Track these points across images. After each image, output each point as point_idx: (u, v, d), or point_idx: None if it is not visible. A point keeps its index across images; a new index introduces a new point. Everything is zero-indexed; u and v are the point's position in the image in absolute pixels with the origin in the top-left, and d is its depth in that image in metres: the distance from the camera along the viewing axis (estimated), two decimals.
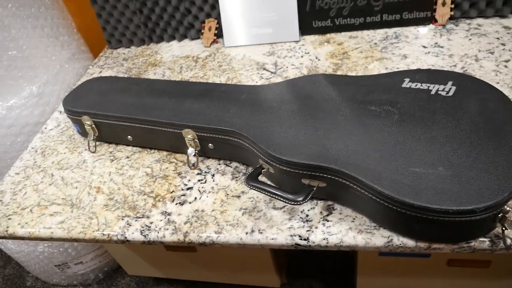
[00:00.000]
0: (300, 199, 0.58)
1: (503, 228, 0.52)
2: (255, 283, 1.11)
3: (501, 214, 0.51)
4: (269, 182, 0.68)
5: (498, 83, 0.78)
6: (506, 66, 0.82)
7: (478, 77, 0.80)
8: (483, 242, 0.55)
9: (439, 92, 0.65)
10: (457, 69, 0.83)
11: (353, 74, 0.88)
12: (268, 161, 0.63)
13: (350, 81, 0.71)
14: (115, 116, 0.77)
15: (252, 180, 0.62)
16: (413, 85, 0.68)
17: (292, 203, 0.58)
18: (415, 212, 0.51)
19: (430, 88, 0.66)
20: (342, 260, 1.30)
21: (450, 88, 0.66)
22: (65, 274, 1.30)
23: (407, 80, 0.69)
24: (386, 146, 0.58)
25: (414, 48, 0.92)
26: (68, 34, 1.07)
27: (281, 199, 0.59)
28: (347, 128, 0.62)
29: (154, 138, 0.78)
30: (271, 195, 0.60)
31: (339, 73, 0.89)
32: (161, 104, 0.76)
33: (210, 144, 0.72)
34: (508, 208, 0.51)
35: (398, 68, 0.87)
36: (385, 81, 0.70)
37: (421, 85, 0.67)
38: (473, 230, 0.53)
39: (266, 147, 0.62)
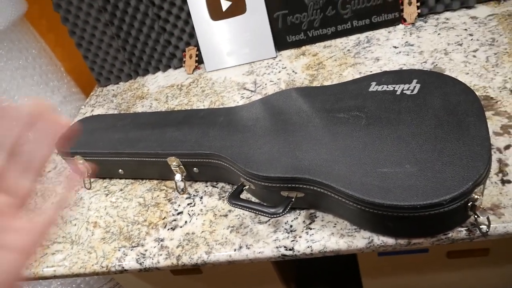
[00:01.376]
0: (280, 211, 0.61)
1: (476, 216, 0.54)
2: None
3: (471, 202, 0.53)
4: (253, 199, 0.71)
5: (467, 73, 0.80)
6: (474, 56, 0.84)
7: (449, 70, 0.82)
8: (460, 232, 0.56)
9: (404, 92, 0.67)
10: (428, 65, 0.85)
11: (328, 83, 0.91)
12: (248, 178, 0.66)
13: (319, 92, 0.74)
14: (103, 152, 0.81)
15: (234, 198, 0.65)
16: (379, 88, 0.70)
17: (273, 216, 0.61)
18: (386, 211, 0.53)
19: (395, 88, 0.69)
20: (348, 264, 1.30)
21: (415, 86, 0.68)
22: None
23: (373, 84, 0.71)
24: (355, 150, 0.60)
25: (386, 50, 0.94)
26: (58, 79, 1.12)
27: (262, 213, 0.61)
28: (317, 137, 0.64)
29: (143, 169, 0.81)
30: (253, 211, 0.62)
31: (315, 83, 0.92)
32: (145, 136, 0.80)
33: (195, 169, 0.75)
34: (476, 196, 0.53)
35: (371, 72, 0.89)
36: (353, 88, 0.72)
37: (387, 87, 0.70)
38: (447, 222, 0.55)
39: (244, 166, 0.65)
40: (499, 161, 0.63)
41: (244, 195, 0.71)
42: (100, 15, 1.11)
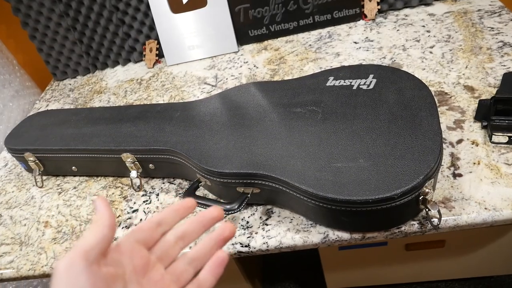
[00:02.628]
0: (235, 207, 0.60)
1: (427, 210, 0.54)
2: None
3: (422, 196, 0.54)
4: (210, 195, 0.69)
5: (424, 69, 0.81)
6: (431, 52, 0.85)
7: (406, 66, 0.83)
8: (413, 225, 0.57)
9: (361, 86, 0.68)
10: (387, 61, 0.86)
11: (289, 77, 0.90)
12: (203, 174, 0.64)
13: (277, 86, 0.73)
14: (55, 149, 0.77)
15: (188, 195, 0.63)
16: (336, 83, 0.70)
17: (228, 212, 0.60)
18: (339, 206, 0.53)
19: (352, 83, 0.69)
20: (312, 259, 1.31)
21: (371, 81, 0.68)
22: None
23: (331, 78, 0.71)
24: (310, 145, 0.60)
25: (346, 45, 0.95)
26: (9, 72, 1.07)
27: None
28: (273, 132, 0.64)
29: (97, 165, 0.78)
30: (208, 207, 0.61)
31: (276, 78, 0.91)
32: (99, 132, 0.77)
33: (150, 165, 0.73)
34: (426, 190, 0.53)
35: (331, 67, 0.89)
36: (310, 82, 0.72)
37: (344, 82, 0.70)
38: (399, 216, 0.55)
39: (199, 161, 0.63)
40: (452, 155, 0.64)
41: (201, 192, 0.70)
42: (54, 5, 1.05)
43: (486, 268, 0.97)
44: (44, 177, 0.86)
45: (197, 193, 0.67)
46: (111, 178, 0.80)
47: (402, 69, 0.83)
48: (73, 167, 0.81)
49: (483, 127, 0.66)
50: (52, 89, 1.18)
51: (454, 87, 0.75)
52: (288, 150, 0.60)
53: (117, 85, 1.08)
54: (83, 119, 0.82)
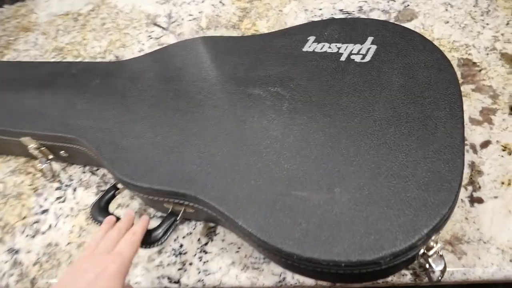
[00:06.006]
0: (158, 236, 0.42)
1: (427, 266, 0.37)
2: None
3: (423, 251, 0.36)
4: (135, 202, 0.52)
5: (447, 22, 0.58)
6: None
7: (423, 15, 0.59)
8: (404, 276, 0.40)
9: (353, 57, 0.46)
10: (396, 5, 0.62)
11: (263, 22, 0.67)
12: (119, 181, 0.46)
13: (234, 47, 0.51)
14: None
15: (98, 212, 0.45)
16: (318, 48, 0.48)
17: (148, 245, 0.42)
18: (298, 263, 0.36)
19: (340, 50, 0.47)
20: None
21: (369, 49, 0.46)
22: None
23: (311, 39, 0.49)
24: (265, 154, 0.40)
25: None
26: None
27: None
28: (215, 127, 0.44)
29: None
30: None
31: (245, 22, 0.68)
32: None
33: (62, 152, 0.54)
34: (432, 244, 0.35)
35: (320, 10, 0.65)
36: (281, 44, 0.50)
37: (330, 47, 0.47)
38: (385, 274, 0.38)
39: (111, 165, 0.44)
40: (471, 165, 0.45)
41: (121, 199, 0.52)
42: None
43: None
44: None
45: (113, 205, 0.49)
46: (22, 159, 0.62)
47: (417, 19, 0.59)
48: None
49: None
50: None
51: (487, 54, 0.53)
52: (233, 159, 0.41)
53: (49, 20, 0.84)
54: None
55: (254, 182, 0.39)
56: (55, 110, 0.52)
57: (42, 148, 0.54)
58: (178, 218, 0.44)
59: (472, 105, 0.49)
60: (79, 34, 0.78)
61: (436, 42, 0.56)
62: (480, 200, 0.42)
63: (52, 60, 0.74)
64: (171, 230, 0.43)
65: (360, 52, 0.46)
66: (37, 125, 0.52)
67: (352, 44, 0.47)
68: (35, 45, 0.80)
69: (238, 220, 0.37)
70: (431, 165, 0.36)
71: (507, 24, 0.55)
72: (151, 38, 0.72)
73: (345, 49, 0.47)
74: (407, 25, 0.59)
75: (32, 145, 0.53)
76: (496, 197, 0.42)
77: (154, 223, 0.49)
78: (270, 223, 0.36)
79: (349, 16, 0.63)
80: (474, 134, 0.47)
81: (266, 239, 0.36)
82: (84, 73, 0.56)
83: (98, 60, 0.71)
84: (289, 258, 0.35)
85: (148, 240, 0.42)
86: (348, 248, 0.34)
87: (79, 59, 0.73)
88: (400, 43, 0.45)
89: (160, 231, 0.43)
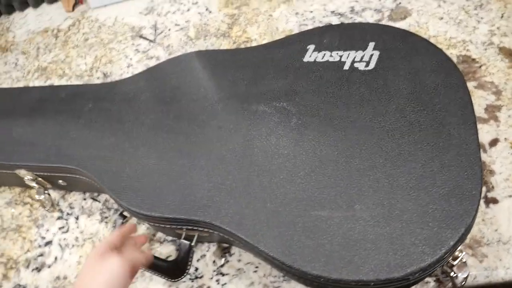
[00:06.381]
0: (179, 272, 0.41)
1: (452, 274, 0.37)
2: None
3: (449, 262, 0.36)
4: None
5: (441, 18, 0.57)
6: None
7: (416, 12, 0.59)
8: (428, 284, 0.40)
9: (356, 65, 0.45)
10: (388, 3, 0.61)
11: (254, 28, 0.65)
12: (126, 210, 0.44)
13: (231, 61, 0.50)
14: None
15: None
16: (319, 57, 0.47)
17: (167, 278, 0.41)
18: (324, 284, 0.35)
19: (343, 59, 0.46)
20: None
21: (372, 55, 0.45)
22: None
23: (311, 48, 0.48)
24: (278, 174, 0.39)
25: None
26: None
27: (155, 273, 0.42)
28: (223, 148, 0.42)
29: None
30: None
31: (235, 28, 0.66)
32: None
33: (60, 181, 0.52)
34: (457, 254, 0.35)
35: (311, 13, 0.64)
36: (281, 55, 0.48)
37: (331, 56, 0.46)
38: (411, 285, 0.38)
39: (117, 195, 0.43)
40: (482, 165, 0.45)
41: None
42: None
43: None
44: None
45: None
46: (18, 190, 0.59)
47: (411, 16, 0.59)
48: None
49: None
50: None
51: (485, 49, 0.53)
52: (246, 180, 0.40)
53: (28, 38, 0.80)
54: None
55: (270, 204, 0.38)
56: (48, 139, 0.50)
57: (39, 179, 0.52)
58: (193, 244, 0.42)
59: (476, 103, 0.49)
60: (62, 51, 0.75)
61: (432, 40, 0.56)
62: (495, 201, 0.42)
63: (36, 81, 0.71)
64: (191, 258, 0.42)
65: (363, 60, 0.45)
66: (31, 156, 0.49)
67: (354, 51, 0.46)
68: (16, 65, 0.76)
69: (259, 246, 0.36)
70: (449, 174, 0.36)
71: (502, 17, 0.55)
72: (138, 51, 0.69)
73: (347, 57, 0.46)
74: (401, 23, 0.58)
75: (27, 176, 0.51)
76: (510, 196, 0.42)
77: (165, 249, 0.48)
78: (292, 246, 0.35)
79: (342, 17, 0.62)
80: (481, 132, 0.47)
81: (291, 263, 0.35)
82: (74, 97, 0.53)
83: (86, 78, 0.68)
84: (316, 280, 0.35)
85: (176, 272, 0.41)
86: (375, 267, 0.33)
87: (64, 79, 0.70)
88: (402, 47, 0.45)
89: (179, 267, 0.41)
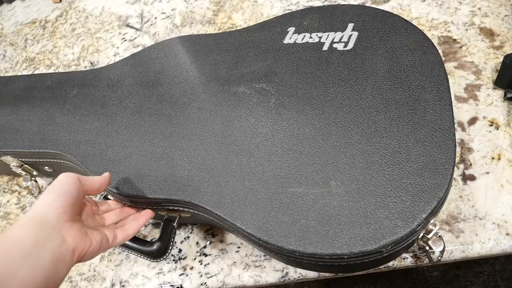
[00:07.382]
0: (161, 252, 0.42)
1: (427, 248, 0.37)
2: None
3: (422, 234, 0.36)
4: None
5: (424, 0, 0.58)
6: None
7: None
8: (405, 259, 0.41)
9: (335, 45, 0.45)
10: None
11: (239, 15, 0.65)
12: (109, 192, 0.45)
13: (213, 45, 0.50)
14: None
15: None
16: (299, 39, 0.47)
17: (150, 259, 0.42)
18: (300, 258, 0.35)
19: (322, 40, 0.46)
20: None
21: (350, 36, 0.45)
22: None
23: (291, 30, 0.48)
24: (256, 153, 0.40)
25: None
26: None
27: (136, 253, 0.42)
28: (203, 129, 0.43)
29: None
30: (125, 248, 0.43)
31: (220, 16, 0.66)
32: None
33: (46, 167, 0.52)
34: (430, 227, 0.36)
35: None
36: (261, 38, 0.49)
37: (311, 37, 0.47)
38: (385, 261, 0.38)
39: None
40: (461, 143, 0.45)
41: None
42: None
43: None
44: None
45: None
46: (6, 178, 0.60)
47: (393, 4, 0.59)
48: None
49: (507, 99, 0.46)
50: None
51: (466, 30, 0.53)
52: (224, 160, 0.40)
53: (16, 29, 0.80)
54: None
55: (248, 182, 0.38)
56: (33, 125, 0.50)
57: (25, 165, 0.52)
58: (174, 224, 0.43)
59: (456, 82, 0.49)
60: (49, 42, 0.75)
61: (415, 22, 0.56)
62: (472, 178, 0.43)
63: (24, 72, 0.72)
64: (173, 238, 0.43)
65: (342, 40, 0.45)
66: (17, 142, 0.50)
67: (333, 32, 0.46)
68: (4, 57, 0.77)
69: (237, 222, 0.37)
70: (423, 149, 0.36)
71: None
72: (125, 40, 0.70)
73: (327, 38, 0.46)
74: (384, 6, 0.59)
75: (14, 163, 0.52)
76: (487, 173, 0.43)
77: (149, 232, 0.49)
78: (269, 223, 0.36)
79: (326, 2, 0.62)
80: (461, 111, 0.47)
81: (267, 238, 0.35)
82: (60, 84, 0.54)
83: (73, 68, 0.69)
84: (291, 255, 0.35)
85: (156, 253, 0.41)
86: (349, 240, 0.33)
87: (52, 69, 0.70)
88: (381, 27, 0.45)
89: (157, 244, 0.42)
